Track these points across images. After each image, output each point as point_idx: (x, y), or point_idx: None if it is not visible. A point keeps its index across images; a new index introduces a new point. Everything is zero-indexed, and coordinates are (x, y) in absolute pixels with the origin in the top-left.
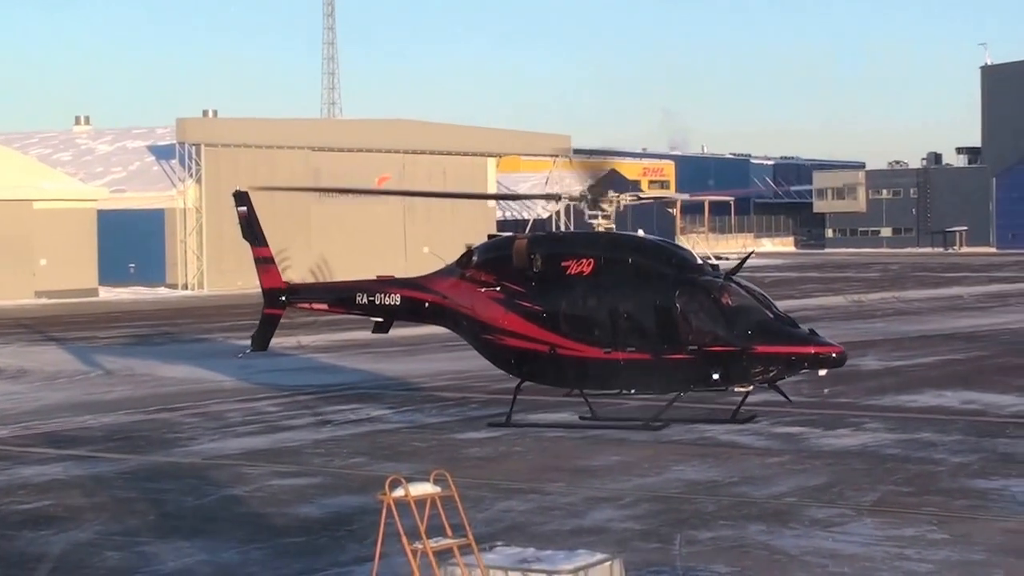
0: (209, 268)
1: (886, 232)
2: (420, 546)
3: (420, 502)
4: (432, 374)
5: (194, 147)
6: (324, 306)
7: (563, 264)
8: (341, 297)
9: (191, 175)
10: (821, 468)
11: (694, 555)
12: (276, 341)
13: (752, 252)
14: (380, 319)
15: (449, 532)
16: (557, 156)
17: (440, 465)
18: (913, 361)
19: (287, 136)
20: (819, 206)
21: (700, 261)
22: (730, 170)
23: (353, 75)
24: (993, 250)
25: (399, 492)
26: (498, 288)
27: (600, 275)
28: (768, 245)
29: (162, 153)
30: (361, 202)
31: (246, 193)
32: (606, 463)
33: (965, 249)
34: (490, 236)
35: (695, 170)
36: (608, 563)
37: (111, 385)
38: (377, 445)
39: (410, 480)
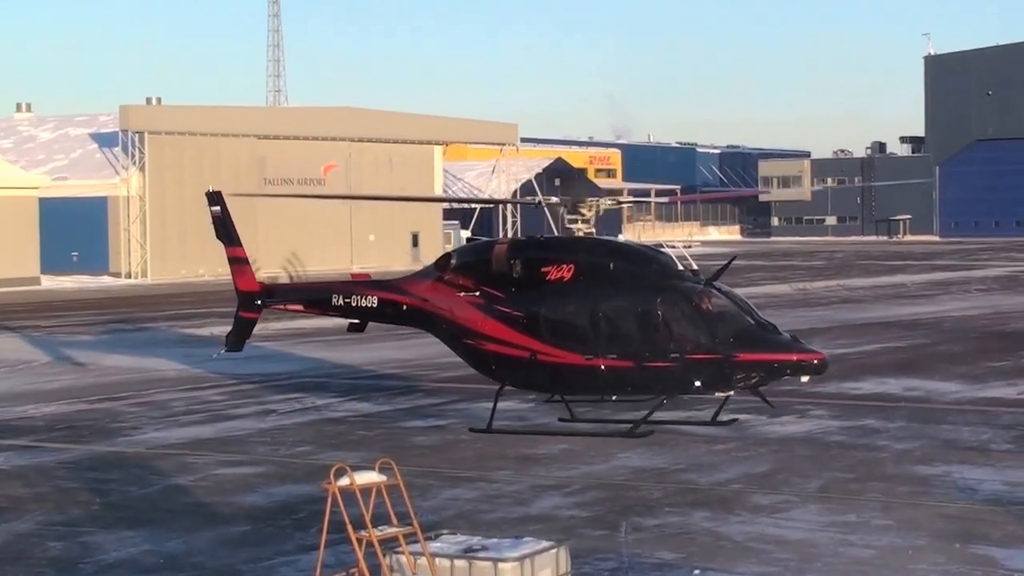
0: (153, 256)
1: (831, 220)
2: (365, 535)
3: (365, 491)
4: (379, 362)
5: (137, 135)
6: (299, 307)
7: (543, 269)
8: (317, 298)
9: (134, 163)
10: (766, 455)
11: (640, 542)
12: (221, 329)
13: (735, 257)
14: (356, 320)
15: (395, 521)
16: (504, 144)
17: (386, 454)
18: (857, 348)
19: (232, 124)
20: (765, 194)
21: (681, 267)
22: (677, 159)
23: (298, 63)
24: (936, 238)
25: (344, 481)
26: (478, 293)
27: (580, 281)
28: (714, 233)
29: (105, 141)
30: (307, 191)
31: (219, 193)
32: (552, 451)
33: (909, 237)
34: (469, 239)
35: (641, 159)
36: (554, 551)
37: (54, 374)
38: (323, 434)
39: (356, 469)
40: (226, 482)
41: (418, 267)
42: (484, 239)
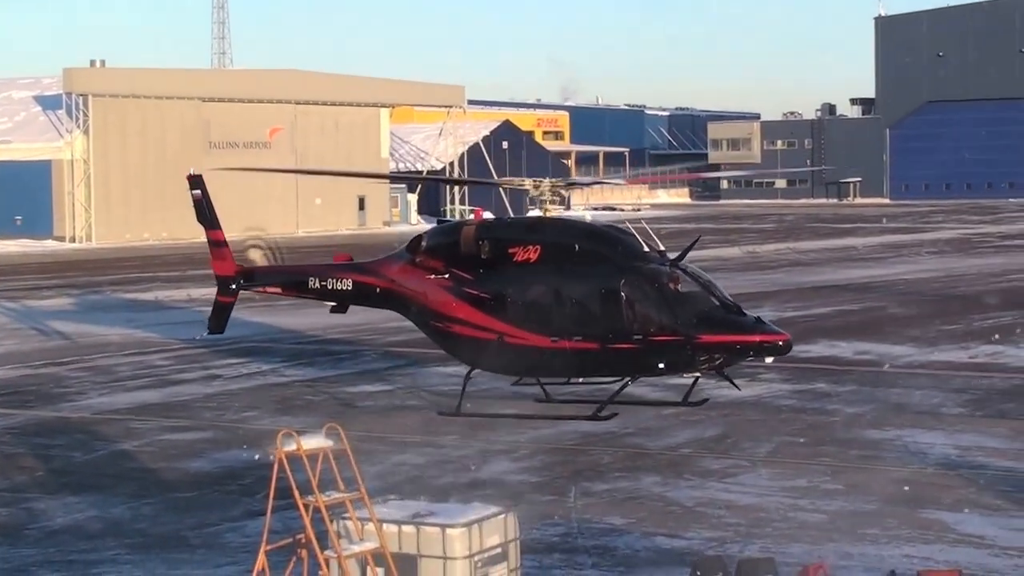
0: (97, 220)
1: (781, 184)
2: (312, 500)
3: (312, 456)
4: (325, 327)
5: (82, 97)
6: (277, 290)
7: (510, 251)
8: (294, 281)
9: (79, 126)
10: (716, 419)
11: (589, 507)
12: (166, 294)
13: (699, 237)
14: (333, 303)
15: (342, 486)
16: (451, 107)
17: (333, 419)
18: (808, 312)
19: (177, 86)
20: (714, 157)
21: (647, 248)
22: (625, 121)
23: (243, 24)
24: (887, 201)
25: (291, 446)
26: (447, 275)
27: (546, 262)
28: (663, 196)
29: (49, 103)
30: (253, 154)
31: (200, 176)
32: (497, 411)
33: (859, 200)
34: (439, 221)
35: (589, 121)
36: (502, 516)
37: None
38: (269, 399)
39: (302, 434)
40: (172, 447)
41: (364, 231)
42: (454, 220)
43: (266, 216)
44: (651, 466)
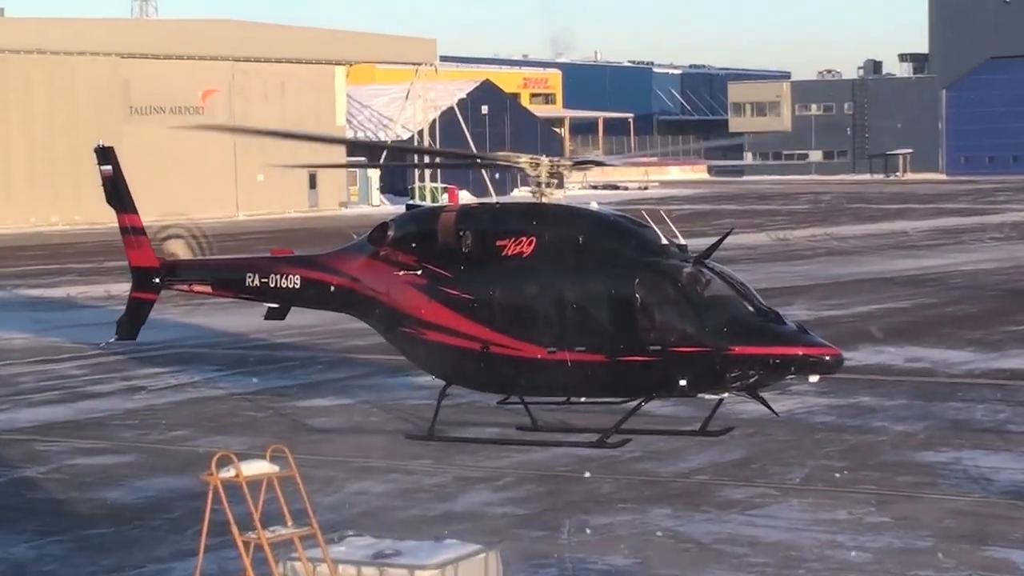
0: None
1: (816, 156)
2: (254, 537)
3: (254, 484)
4: (270, 329)
5: None
6: (207, 288)
7: (498, 242)
8: (228, 278)
9: None
10: (739, 440)
11: (586, 545)
12: (81, 290)
13: (732, 230)
14: (275, 304)
15: (289, 520)
16: (420, 65)
17: (279, 439)
18: (849, 311)
19: (90, 40)
20: (735, 124)
21: (665, 241)
22: (629, 82)
23: None
24: (943, 177)
25: (229, 472)
26: (419, 271)
27: (543, 257)
28: (675, 172)
29: None
30: (182, 122)
31: (111, 149)
32: (480, 435)
33: (910, 176)
34: (408, 206)
35: (586, 82)
36: (482, 556)
37: None
38: (202, 415)
39: (242, 457)
40: (85, 474)
41: (316, 213)
42: (428, 204)
43: (195, 196)
44: (661, 495)
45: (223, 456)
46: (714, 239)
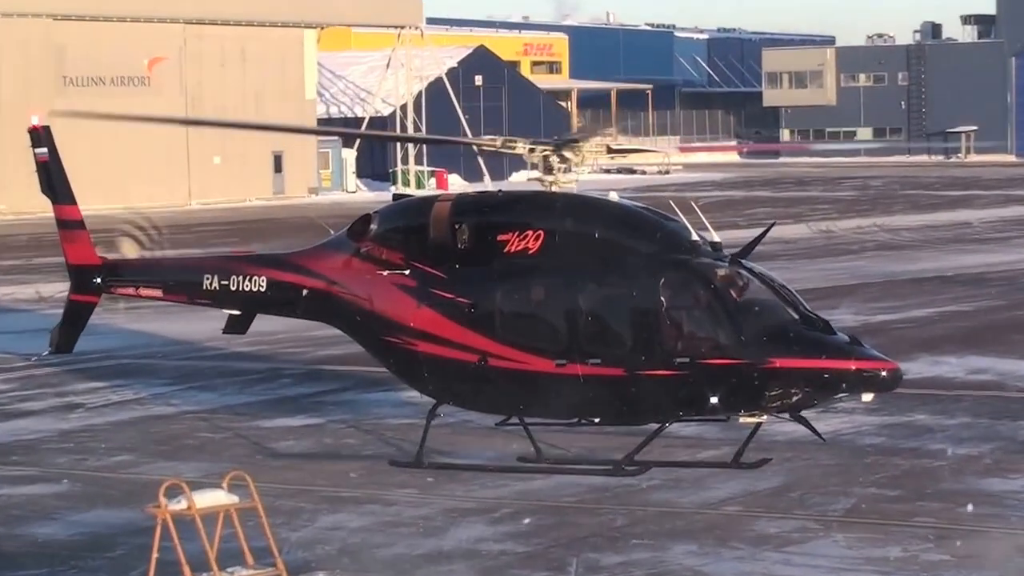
0: None
1: (864, 134)
2: None
3: (209, 517)
4: (229, 336)
5: None
6: (157, 292)
7: (500, 238)
8: (181, 280)
9: None
10: (775, 465)
11: None
12: (8, 291)
13: (773, 224)
14: (237, 311)
15: (250, 559)
16: (403, 28)
17: (239, 465)
18: (902, 315)
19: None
20: (771, 97)
21: (696, 237)
22: (647, 48)
23: None
24: (1012, 159)
25: (180, 503)
26: (407, 271)
27: (553, 255)
28: (701, 154)
29: None
30: (126, 95)
31: (47, 129)
32: (473, 461)
33: (973, 157)
34: (395, 196)
35: (597, 48)
36: None
37: None
38: (149, 437)
39: (195, 486)
40: (12, 506)
41: (282, 201)
42: (418, 194)
43: (140, 182)
44: (683, 530)
45: (173, 485)
46: (749, 234)
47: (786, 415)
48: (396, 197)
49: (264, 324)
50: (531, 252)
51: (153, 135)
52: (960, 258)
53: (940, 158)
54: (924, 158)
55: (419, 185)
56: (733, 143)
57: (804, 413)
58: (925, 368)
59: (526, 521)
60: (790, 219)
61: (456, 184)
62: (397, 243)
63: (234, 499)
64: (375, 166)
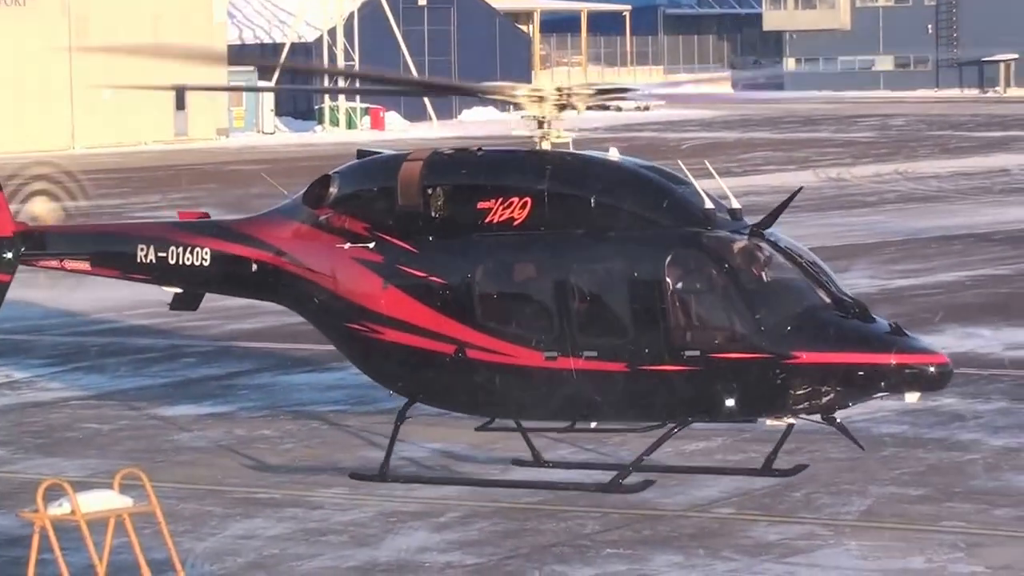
0: None
1: (884, 64)
2: None
3: (98, 523)
4: (122, 306)
5: None
6: (84, 264)
7: (480, 205)
8: (112, 251)
9: None
10: (777, 459)
11: None
12: None
13: (800, 189)
14: (179, 288)
15: (147, 573)
16: None
17: (133, 461)
18: (927, 279)
19: None
20: (772, 20)
21: (711, 204)
22: None
23: None
24: None
25: (62, 507)
26: (372, 244)
27: (541, 226)
28: (689, 87)
29: None
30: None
31: None
32: (417, 453)
33: (1013, 91)
34: (359, 152)
35: None
36: None
37: None
38: (24, 429)
39: (80, 487)
40: None
41: (185, 144)
42: (384, 153)
43: (13, 121)
44: (667, 536)
45: (53, 485)
46: (743, 184)
47: (817, 418)
48: (361, 154)
49: (159, 292)
50: (517, 223)
51: (29, 66)
52: (997, 211)
53: (974, 92)
54: (955, 92)
55: (350, 125)
56: (727, 73)
57: (838, 415)
58: (954, 342)
59: (477, 527)
60: (794, 165)
61: (395, 124)
62: (360, 211)
63: (127, 502)
64: (297, 102)
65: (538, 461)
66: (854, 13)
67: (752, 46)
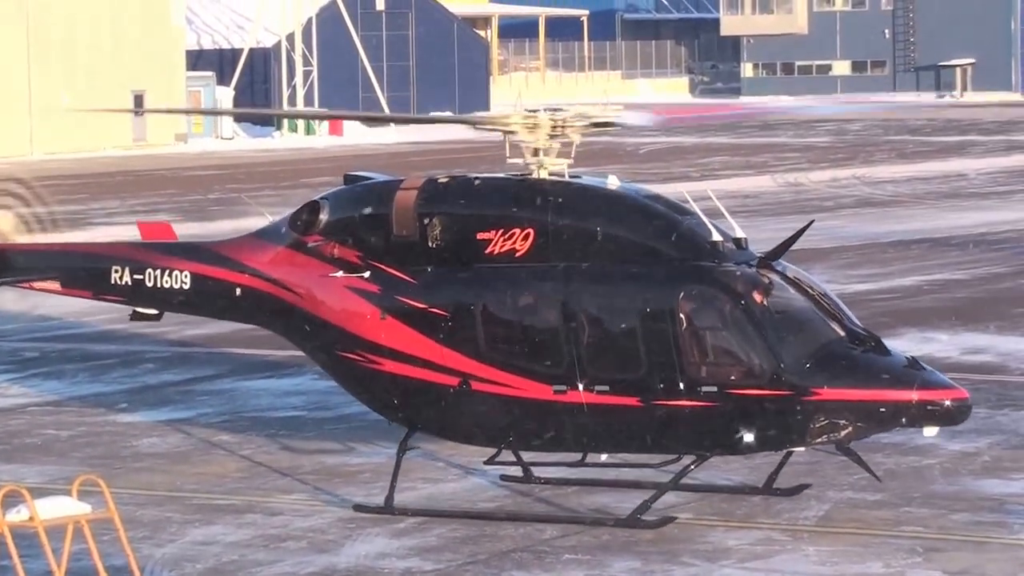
0: None
1: (842, 68)
2: None
3: (57, 530)
4: (84, 311)
5: None
6: (54, 285)
7: (479, 235)
8: (84, 269)
9: None
10: (733, 460)
11: None
12: None
13: (812, 222)
14: (155, 311)
15: None
16: None
17: (92, 468)
18: (885, 283)
19: None
20: (729, 25)
21: (719, 236)
22: None
23: None
24: (1017, 96)
25: (20, 514)
26: (367, 274)
27: (544, 257)
28: (647, 90)
29: None
30: None
31: None
32: (375, 460)
33: (971, 96)
34: (347, 177)
35: None
36: None
37: None
38: None
39: (38, 493)
40: None
41: (145, 150)
42: (377, 178)
43: None
44: (625, 543)
45: (11, 492)
46: (703, 187)
47: (832, 449)
48: (349, 180)
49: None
50: (519, 255)
51: None
52: (955, 216)
53: (932, 97)
54: (912, 97)
55: (308, 131)
56: (684, 79)
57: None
58: (912, 347)
59: (436, 532)
60: (751, 170)
61: (354, 131)
62: (353, 239)
63: (86, 508)
64: (256, 108)
65: (528, 478)
66: (811, 18)
67: (710, 51)
